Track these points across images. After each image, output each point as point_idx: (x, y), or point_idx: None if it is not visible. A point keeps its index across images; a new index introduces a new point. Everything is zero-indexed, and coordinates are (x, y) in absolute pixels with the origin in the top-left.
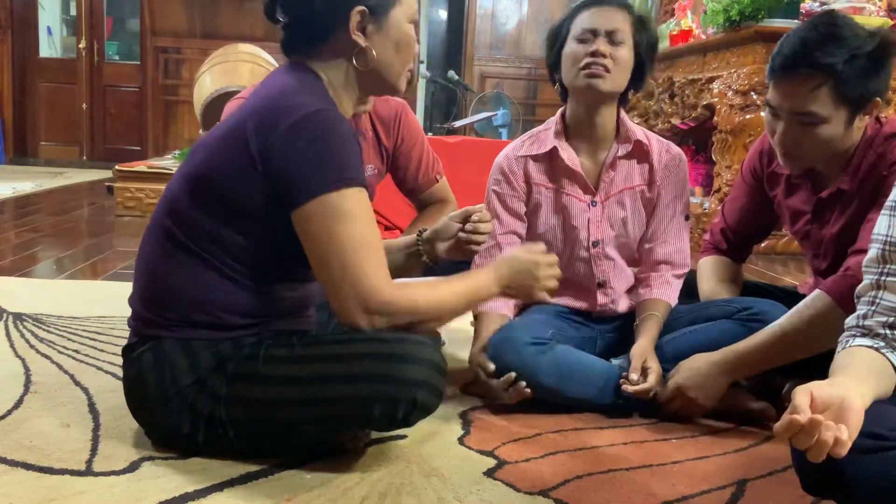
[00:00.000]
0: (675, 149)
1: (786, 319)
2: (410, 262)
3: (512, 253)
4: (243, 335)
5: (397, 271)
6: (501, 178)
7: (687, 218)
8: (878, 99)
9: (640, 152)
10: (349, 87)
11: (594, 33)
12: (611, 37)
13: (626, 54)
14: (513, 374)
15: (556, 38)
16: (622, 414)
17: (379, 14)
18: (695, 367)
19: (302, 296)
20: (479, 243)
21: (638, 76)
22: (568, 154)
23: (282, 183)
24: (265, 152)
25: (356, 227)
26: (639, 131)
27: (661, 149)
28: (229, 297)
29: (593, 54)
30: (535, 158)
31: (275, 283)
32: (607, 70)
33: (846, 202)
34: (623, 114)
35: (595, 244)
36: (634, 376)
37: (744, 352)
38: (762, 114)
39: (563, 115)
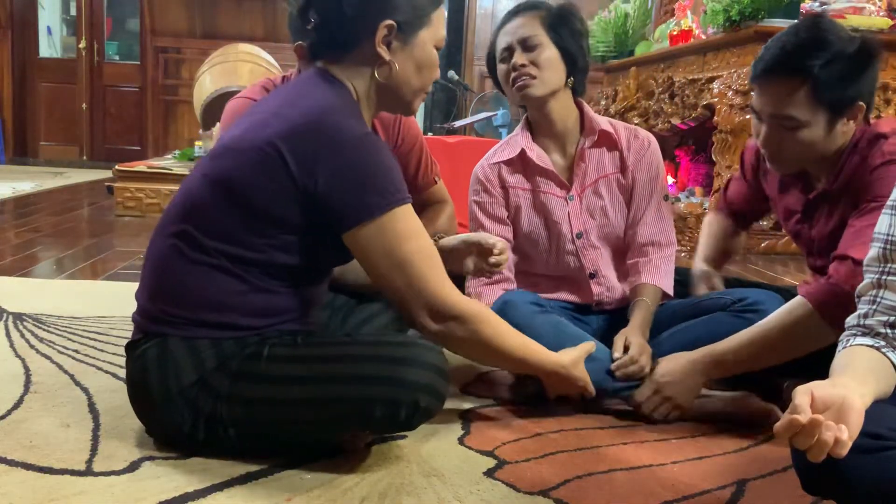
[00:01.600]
0: (643, 133)
1: (766, 323)
2: None
3: (579, 372)
4: (248, 335)
5: None
6: (479, 188)
7: (666, 198)
8: (860, 103)
9: (607, 141)
10: (370, 98)
11: (510, 50)
12: (524, 45)
13: (547, 55)
14: None
15: (490, 65)
16: (610, 396)
17: (406, 32)
18: (672, 366)
19: (310, 298)
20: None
21: (572, 65)
22: (537, 153)
23: (330, 207)
24: (309, 177)
25: (413, 243)
26: (604, 121)
27: (629, 135)
28: (241, 298)
29: (514, 68)
30: (508, 163)
31: (288, 287)
32: (532, 77)
33: (833, 203)
34: (586, 107)
35: (579, 236)
36: (617, 353)
37: (722, 353)
38: None
39: (527, 119)
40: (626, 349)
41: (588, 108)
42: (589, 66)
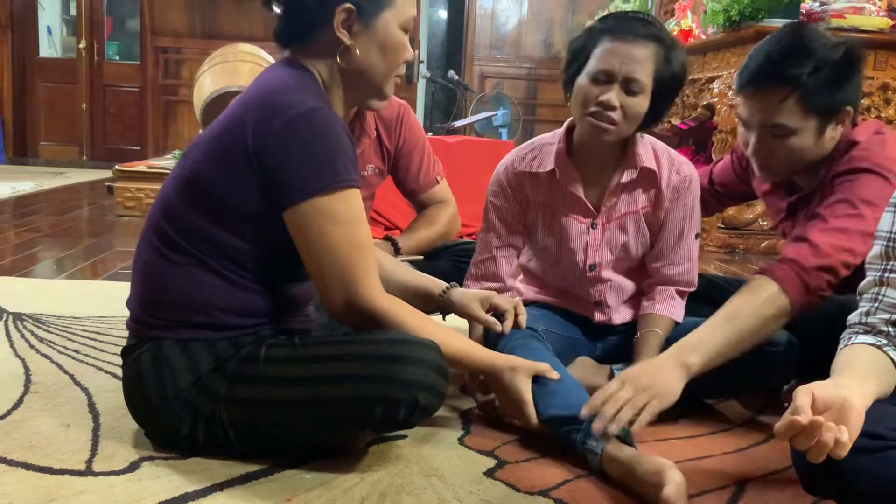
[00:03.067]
0: (687, 169)
1: (734, 307)
2: (419, 306)
3: (517, 381)
4: (242, 334)
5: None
6: (499, 191)
7: (697, 237)
8: (848, 108)
9: (647, 178)
10: (337, 84)
11: (609, 77)
12: (627, 86)
13: (640, 104)
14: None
15: (574, 59)
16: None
17: (367, 15)
18: (639, 366)
19: (299, 294)
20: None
21: (653, 116)
22: (569, 178)
23: (275, 181)
24: (259, 150)
25: (347, 229)
26: (648, 155)
27: (671, 171)
28: (226, 297)
29: (601, 104)
30: (535, 176)
31: (272, 283)
32: (614, 123)
33: (811, 206)
34: (636, 138)
35: (592, 268)
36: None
37: (693, 342)
38: None
39: (568, 131)
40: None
41: (638, 140)
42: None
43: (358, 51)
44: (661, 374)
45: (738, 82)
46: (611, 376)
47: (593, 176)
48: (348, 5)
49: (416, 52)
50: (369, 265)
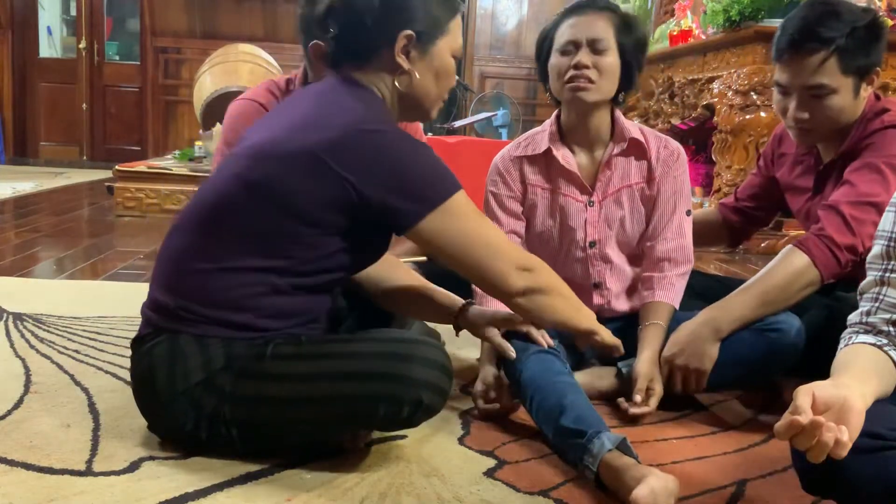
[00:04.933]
0: (674, 144)
1: (765, 276)
2: (433, 318)
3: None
4: (260, 336)
5: (416, 315)
6: (498, 179)
7: (688, 213)
8: (877, 69)
9: (636, 149)
10: (392, 106)
11: (576, 45)
12: (593, 46)
13: (610, 61)
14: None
15: (542, 50)
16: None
17: (425, 41)
18: (676, 337)
19: (328, 301)
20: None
21: (627, 79)
22: (563, 154)
23: (388, 209)
24: (363, 186)
25: (478, 219)
26: (635, 129)
27: (659, 144)
28: (259, 299)
29: (576, 66)
30: (531, 159)
31: (309, 290)
32: (591, 81)
33: (839, 172)
34: (618, 114)
35: (592, 245)
36: (638, 397)
37: (725, 311)
38: (762, 113)
39: (557, 118)
40: (647, 392)
41: (620, 114)
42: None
43: (416, 76)
44: (696, 346)
45: (777, 49)
46: (618, 375)
47: (586, 154)
48: (409, 32)
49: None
50: (510, 243)
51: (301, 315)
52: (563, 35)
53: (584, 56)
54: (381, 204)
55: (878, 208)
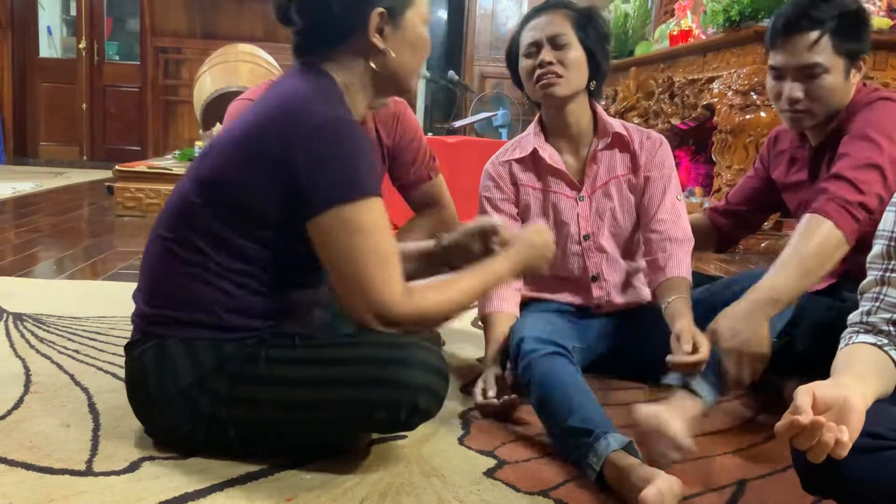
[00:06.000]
0: (656, 134)
1: (797, 249)
2: (425, 270)
3: (525, 238)
4: (247, 336)
5: (412, 278)
6: (490, 185)
7: (680, 199)
8: (865, 56)
9: (620, 143)
10: (364, 88)
11: (537, 45)
12: (553, 42)
13: (574, 55)
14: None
15: (511, 58)
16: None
17: (396, 16)
18: (731, 322)
19: (310, 300)
20: None
21: (594, 68)
22: (549, 153)
23: (300, 191)
24: (286, 160)
25: (372, 239)
26: (617, 124)
27: (642, 136)
28: (236, 299)
29: (541, 65)
30: (520, 161)
31: (283, 288)
32: (559, 76)
33: (831, 153)
34: (599, 109)
35: (586, 237)
36: (688, 347)
37: (772, 289)
38: (762, 113)
39: (540, 120)
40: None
41: (601, 110)
42: (609, 70)
43: (393, 53)
44: (754, 330)
45: (772, 34)
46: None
47: (571, 151)
48: (381, 9)
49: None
50: (394, 277)
51: (284, 313)
52: (525, 39)
53: (546, 54)
54: (296, 186)
55: (879, 170)
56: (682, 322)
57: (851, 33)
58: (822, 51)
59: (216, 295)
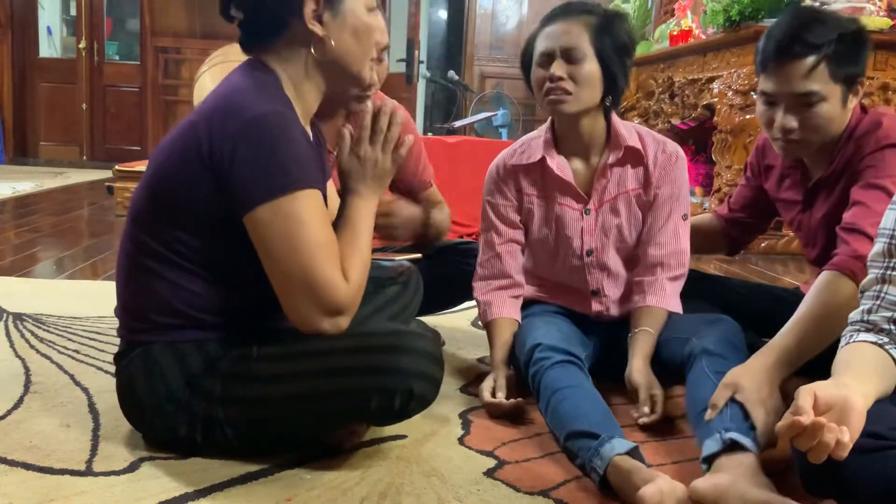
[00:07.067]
0: (672, 147)
1: (811, 307)
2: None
3: (344, 167)
4: (229, 334)
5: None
6: (494, 189)
7: (685, 218)
8: (862, 79)
9: (633, 157)
10: (312, 79)
11: (550, 56)
12: (567, 56)
13: (587, 69)
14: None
15: (525, 61)
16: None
17: (334, 2)
18: (756, 385)
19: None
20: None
21: (610, 83)
22: (558, 164)
23: (232, 187)
24: (215, 156)
25: (309, 230)
26: (632, 135)
27: (657, 149)
28: (207, 298)
29: (551, 79)
30: (526, 169)
31: (252, 283)
32: (568, 92)
33: (831, 189)
34: (615, 119)
35: (589, 253)
36: (646, 409)
37: (785, 350)
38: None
39: (552, 125)
40: (651, 401)
41: (617, 121)
42: (628, 85)
43: (333, 41)
44: (774, 395)
45: (762, 58)
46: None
47: (581, 162)
48: None
49: (417, 52)
50: (334, 266)
51: (262, 308)
52: (539, 46)
53: (557, 68)
54: (228, 181)
55: None
56: (635, 363)
57: (849, 57)
58: (817, 78)
59: (183, 295)
